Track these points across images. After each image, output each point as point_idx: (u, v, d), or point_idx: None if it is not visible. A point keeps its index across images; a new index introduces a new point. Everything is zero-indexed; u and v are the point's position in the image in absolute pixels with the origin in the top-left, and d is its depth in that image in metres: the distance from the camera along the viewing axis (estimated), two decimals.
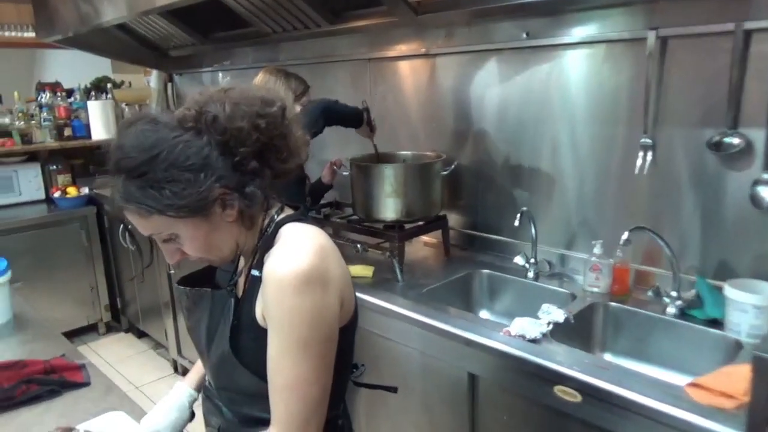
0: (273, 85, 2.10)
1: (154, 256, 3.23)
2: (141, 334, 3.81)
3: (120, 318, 3.92)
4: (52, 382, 1.43)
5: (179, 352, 3.24)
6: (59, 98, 3.81)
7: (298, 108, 2.11)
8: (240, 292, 0.99)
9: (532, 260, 2.01)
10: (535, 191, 2.10)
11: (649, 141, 1.72)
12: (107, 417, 1.28)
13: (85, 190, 3.71)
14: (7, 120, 3.66)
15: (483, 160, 2.25)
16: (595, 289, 1.83)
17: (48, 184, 3.78)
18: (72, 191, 3.63)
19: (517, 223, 1.90)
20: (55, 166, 3.77)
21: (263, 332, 0.90)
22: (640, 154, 1.74)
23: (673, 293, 1.67)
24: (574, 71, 1.91)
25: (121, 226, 3.42)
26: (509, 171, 2.17)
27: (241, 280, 1.01)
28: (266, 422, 0.92)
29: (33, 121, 3.67)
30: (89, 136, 3.84)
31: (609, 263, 1.80)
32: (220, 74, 3.62)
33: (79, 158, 4.01)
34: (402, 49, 2.45)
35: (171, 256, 0.93)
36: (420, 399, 1.81)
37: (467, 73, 2.24)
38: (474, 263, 2.19)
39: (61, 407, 1.37)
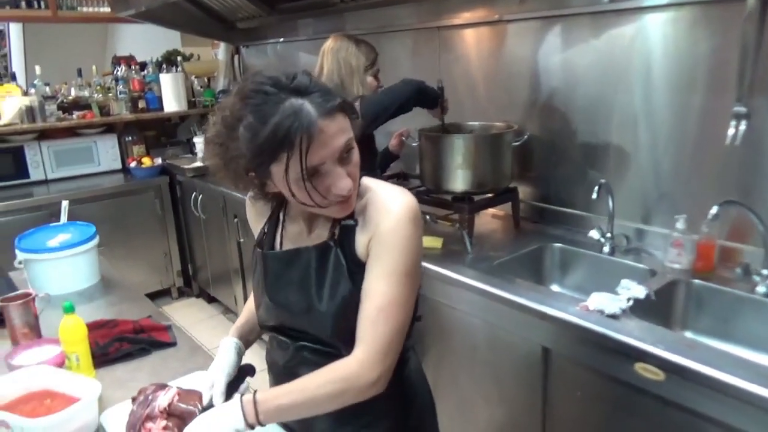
0: (344, 53, 2.08)
1: (225, 224, 3.33)
2: (211, 300, 3.98)
3: (191, 283, 4.10)
4: (142, 341, 1.51)
5: None
6: (133, 71, 3.94)
7: (369, 78, 2.10)
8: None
9: (608, 234, 1.94)
10: (612, 163, 2.02)
11: (743, 110, 1.61)
12: (195, 376, 1.34)
13: (159, 161, 3.85)
14: (86, 93, 3.83)
15: (556, 131, 2.18)
16: (677, 266, 1.75)
17: (124, 155, 3.95)
18: (147, 161, 3.78)
19: (595, 195, 1.84)
20: (130, 137, 3.93)
21: (364, 268, 0.99)
22: (733, 123, 1.63)
23: (764, 271, 1.58)
24: (659, 36, 1.81)
25: (193, 195, 3.55)
26: (584, 142, 2.10)
27: (325, 233, 1.03)
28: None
29: (110, 94, 3.82)
30: (162, 108, 3.98)
31: (693, 239, 1.72)
32: (279, 46, 3.65)
33: (152, 130, 4.17)
34: (473, 15, 2.39)
35: (346, 182, 0.94)
36: (490, 371, 1.81)
37: (541, 40, 2.16)
38: (545, 237, 2.14)
39: (151, 365, 1.45)
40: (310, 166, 0.89)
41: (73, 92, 3.80)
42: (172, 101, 3.95)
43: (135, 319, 1.64)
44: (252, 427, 0.98)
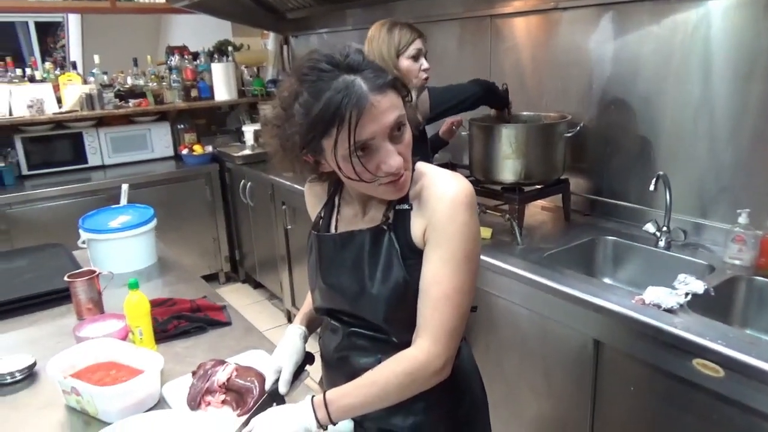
0: (377, 42, 2.02)
1: (272, 211, 3.39)
2: (257, 285, 4.06)
3: (238, 269, 4.19)
4: (199, 319, 1.56)
5: (293, 302, 3.42)
6: (186, 61, 4.04)
7: (404, 62, 2.01)
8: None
9: (664, 228, 1.89)
10: (669, 155, 1.97)
11: None
12: (250, 354, 1.38)
13: (209, 149, 3.95)
14: (141, 82, 3.95)
15: (611, 122, 2.13)
16: (737, 262, 1.70)
17: (176, 142, 4.06)
18: (198, 149, 3.88)
19: (652, 187, 1.79)
20: (182, 125, 4.04)
21: (420, 254, 0.99)
22: None
23: None
24: (722, 24, 1.74)
25: (242, 182, 3.62)
26: (640, 133, 2.04)
27: (379, 216, 1.04)
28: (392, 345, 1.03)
29: (164, 83, 3.93)
30: (213, 97, 4.07)
31: (756, 234, 1.66)
32: (327, 36, 3.67)
33: (202, 118, 4.27)
34: (526, 4, 2.35)
35: (396, 160, 0.94)
36: (538, 363, 1.79)
37: (597, 28, 2.11)
38: (596, 229, 2.10)
39: (208, 343, 1.50)
40: (359, 140, 0.89)
41: (129, 81, 3.93)
42: (222, 90, 4.03)
43: (191, 298, 1.69)
44: (324, 427, 1.00)
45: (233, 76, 4.05)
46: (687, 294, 1.50)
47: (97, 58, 3.77)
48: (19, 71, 3.55)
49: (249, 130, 3.90)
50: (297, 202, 3.11)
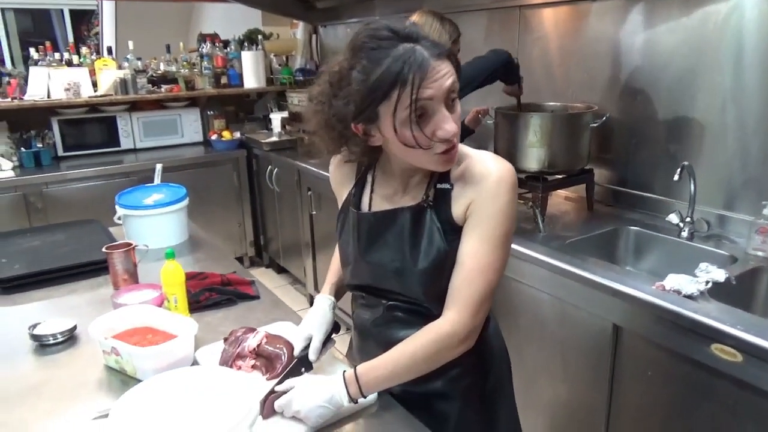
0: (428, 29, 2.08)
1: (298, 197, 3.45)
2: (280, 270, 4.14)
3: (262, 254, 4.27)
4: (229, 292, 1.62)
5: (316, 287, 3.48)
6: (217, 48, 4.12)
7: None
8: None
9: (688, 219, 1.90)
10: (695, 146, 1.97)
11: None
12: (278, 325, 1.43)
13: (237, 135, 4.03)
14: (173, 68, 4.04)
15: (637, 113, 2.14)
16: (761, 253, 1.70)
17: (205, 128, 4.15)
18: (227, 135, 3.96)
19: (676, 177, 1.81)
20: (212, 112, 4.13)
21: (459, 231, 1.04)
22: None
23: None
24: (755, 13, 1.74)
25: (269, 168, 3.69)
26: (667, 124, 2.05)
27: (419, 195, 1.08)
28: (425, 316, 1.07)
29: (195, 69, 4.02)
30: (242, 85, 4.14)
31: None
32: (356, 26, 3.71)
33: (230, 105, 4.35)
34: None
35: (452, 125, 0.97)
36: (557, 348, 1.82)
37: (626, 19, 2.11)
38: (619, 220, 2.12)
39: (237, 314, 1.56)
40: (420, 99, 0.92)
41: (162, 67, 4.02)
42: (251, 78, 4.11)
43: (221, 273, 1.76)
44: (355, 401, 1.05)
45: (262, 64, 4.12)
46: (708, 282, 1.52)
47: (131, 44, 3.87)
48: (57, 55, 3.66)
49: (276, 118, 3.97)
50: (322, 188, 3.17)
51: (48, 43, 3.70)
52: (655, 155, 2.11)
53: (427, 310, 1.09)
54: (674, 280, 1.51)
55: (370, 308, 1.17)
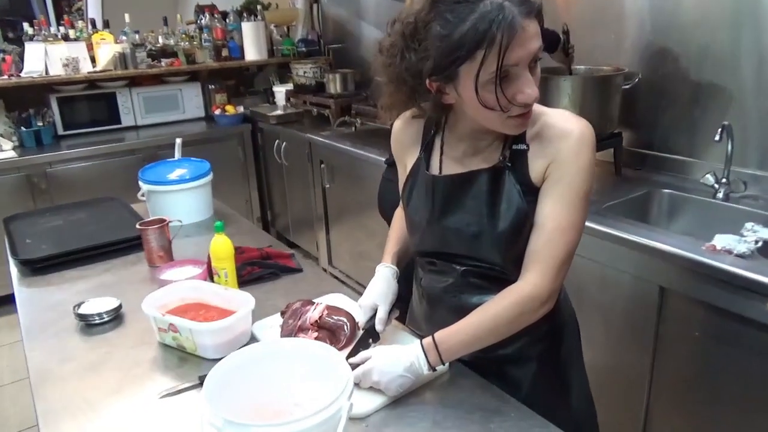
0: None
1: (309, 170, 3.39)
2: (290, 245, 4.09)
3: (269, 230, 4.23)
4: (271, 266, 1.59)
5: (330, 262, 3.45)
6: (216, 20, 4.00)
7: None
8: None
9: (723, 180, 1.89)
10: (727, 107, 1.95)
11: None
12: (330, 297, 1.40)
13: (241, 109, 3.94)
14: (171, 41, 3.92)
15: (667, 74, 2.11)
16: None
17: (207, 103, 4.05)
18: (230, 109, 3.87)
19: (717, 137, 1.79)
20: (213, 86, 4.02)
21: (536, 193, 1.01)
22: None
23: None
24: None
25: (276, 142, 3.62)
26: (698, 85, 2.02)
27: (494, 156, 1.04)
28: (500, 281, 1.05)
29: (195, 42, 3.90)
30: (243, 57, 4.04)
31: None
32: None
33: (231, 79, 4.24)
34: None
35: (534, 90, 0.93)
36: (598, 313, 1.81)
37: None
38: (649, 183, 2.10)
39: (283, 288, 1.53)
40: (506, 64, 0.87)
41: (160, 40, 3.90)
42: (252, 50, 4.00)
43: (258, 247, 1.72)
44: (434, 368, 1.03)
45: (263, 35, 4.01)
46: (757, 241, 1.51)
47: (127, 17, 3.74)
48: (53, 29, 3.53)
49: (280, 90, 3.89)
50: (336, 161, 3.12)
51: (42, 17, 3.56)
52: (684, 116, 2.08)
53: (503, 274, 1.06)
54: (724, 240, 1.50)
55: (442, 275, 1.15)
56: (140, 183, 1.99)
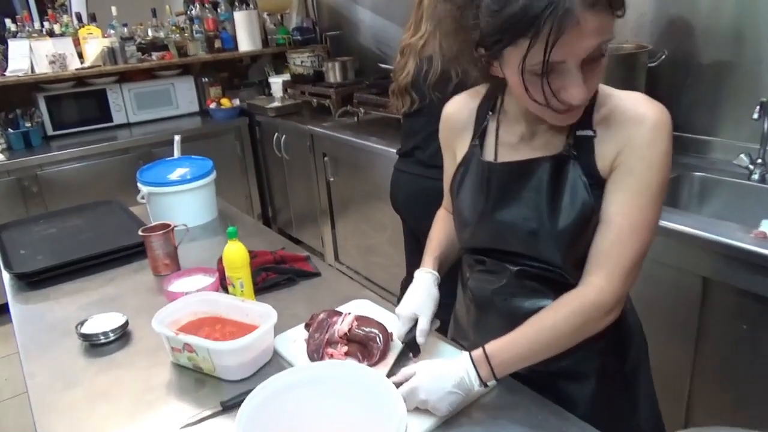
0: None
1: (312, 164, 3.26)
2: (293, 241, 3.97)
3: (271, 226, 4.10)
4: (287, 270, 1.48)
5: (336, 257, 3.34)
6: (207, 10, 3.84)
7: None
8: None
9: (759, 161, 1.78)
10: (760, 84, 1.84)
11: None
12: (354, 304, 1.29)
13: (237, 102, 3.80)
14: (162, 34, 3.76)
15: (692, 52, 1.99)
16: None
17: (201, 97, 3.91)
18: (226, 103, 3.73)
19: (756, 115, 1.68)
20: (206, 79, 3.88)
21: (603, 185, 0.90)
22: None
23: None
24: None
25: (275, 135, 3.49)
26: (725, 64, 1.91)
27: (556, 143, 0.93)
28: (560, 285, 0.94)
29: (186, 34, 3.75)
30: (237, 48, 3.89)
31: None
32: None
33: (224, 71, 4.10)
34: None
35: (579, 92, 0.80)
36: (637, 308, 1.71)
37: None
38: (677, 166, 1.98)
39: (302, 295, 1.41)
40: (551, 60, 0.76)
41: (150, 33, 3.74)
42: (246, 40, 3.85)
43: (270, 250, 1.60)
44: (486, 384, 0.92)
45: (257, 24, 3.86)
46: None
47: (114, 10, 3.58)
48: (37, 25, 3.37)
49: (276, 82, 3.75)
50: (340, 153, 3.00)
51: (25, 12, 3.40)
52: (711, 96, 1.97)
53: (562, 277, 0.95)
54: None
55: (493, 275, 1.03)
56: (139, 185, 1.86)
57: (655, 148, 0.86)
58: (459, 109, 1.08)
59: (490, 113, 1.02)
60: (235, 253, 1.25)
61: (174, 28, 3.77)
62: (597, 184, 0.90)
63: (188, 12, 3.86)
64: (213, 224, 1.93)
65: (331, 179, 3.10)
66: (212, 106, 3.74)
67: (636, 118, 0.87)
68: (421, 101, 1.85)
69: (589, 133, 0.90)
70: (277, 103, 3.64)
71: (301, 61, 3.58)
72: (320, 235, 3.42)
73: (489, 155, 1.01)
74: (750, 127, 1.81)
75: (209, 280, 1.37)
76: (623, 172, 0.88)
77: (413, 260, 2.22)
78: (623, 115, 0.88)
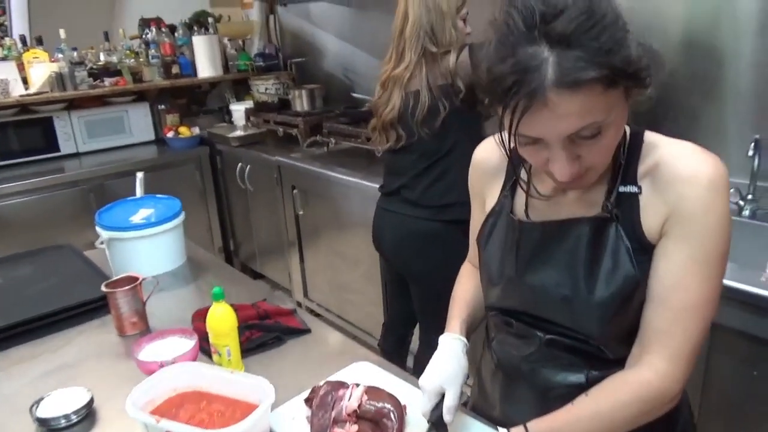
0: None
1: (279, 195, 3.11)
2: (256, 276, 3.78)
3: (232, 260, 3.90)
4: (273, 328, 1.33)
5: (305, 294, 3.18)
6: (164, 34, 3.66)
7: (459, 23, 1.80)
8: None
9: (750, 197, 1.77)
10: (746, 118, 1.83)
11: None
12: (355, 368, 1.16)
13: (196, 130, 3.61)
14: (114, 59, 3.55)
15: (673, 85, 1.98)
16: None
17: (157, 125, 3.70)
18: (185, 131, 3.54)
19: (751, 152, 1.66)
20: (163, 106, 3.68)
21: (651, 252, 0.80)
22: None
23: None
24: None
25: (239, 165, 3.32)
26: (712, 95, 1.90)
27: (594, 199, 0.84)
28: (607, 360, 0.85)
29: (141, 59, 3.55)
30: (196, 74, 3.71)
31: None
32: (324, 5, 3.39)
33: (181, 98, 3.91)
34: None
35: (563, 170, 0.74)
36: None
37: None
38: None
39: (292, 357, 1.27)
40: (521, 134, 0.72)
41: (102, 57, 3.53)
42: (206, 66, 3.68)
43: (250, 302, 1.45)
44: None
45: (218, 50, 3.70)
46: None
47: (62, 33, 3.35)
48: None
49: (239, 109, 3.59)
50: (309, 185, 2.86)
51: None
52: (692, 129, 1.96)
53: (599, 350, 0.85)
54: None
55: (521, 340, 0.93)
56: (98, 229, 1.67)
57: (713, 212, 0.76)
58: (491, 153, 0.98)
59: (521, 161, 0.92)
60: (223, 319, 1.10)
61: (128, 52, 3.56)
62: (642, 248, 0.80)
63: (143, 36, 3.66)
64: (182, 271, 1.75)
65: (301, 213, 2.95)
66: (170, 134, 3.54)
67: (688, 176, 0.77)
68: (409, 138, 1.75)
69: (633, 189, 0.81)
70: (239, 132, 3.48)
71: (265, 88, 3.44)
72: (287, 270, 3.26)
73: (519, 209, 0.92)
74: (736, 163, 1.79)
75: (187, 344, 1.21)
76: (677, 239, 0.78)
77: (398, 305, 2.10)
78: (672, 170, 0.79)
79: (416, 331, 2.13)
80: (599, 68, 0.67)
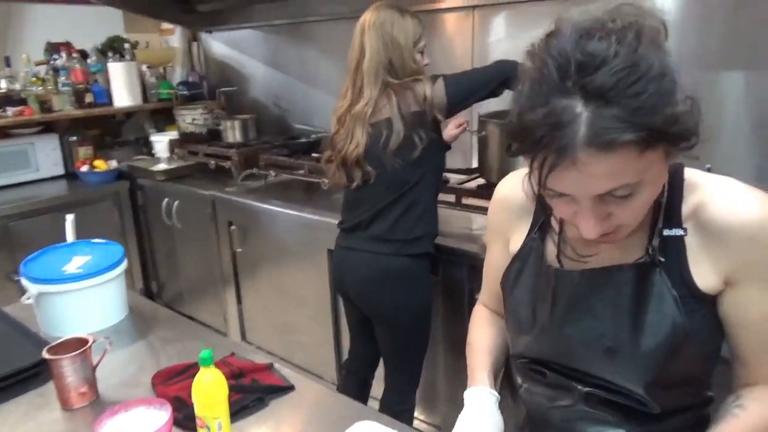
0: (390, 27, 1.70)
1: (214, 232, 2.90)
2: (187, 318, 3.50)
3: (155, 301, 3.58)
4: (254, 388, 1.18)
5: (243, 337, 2.97)
6: (75, 60, 3.37)
7: (417, 56, 1.78)
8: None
9: None
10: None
11: None
12: (359, 428, 1.04)
13: (114, 164, 3.32)
14: (17, 86, 3.21)
15: None
16: None
17: (67, 158, 3.37)
18: (101, 165, 3.24)
19: None
20: (74, 138, 3.36)
21: (702, 300, 0.77)
22: None
23: None
24: None
25: (165, 201, 3.08)
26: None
27: (637, 243, 0.80)
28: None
29: (49, 87, 3.23)
30: (112, 103, 3.44)
31: None
32: (251, 32, 3.27)
33: (94, 129, 3.59)
34: None
35: (589, 229, 0.70)
36: None
37: None
38: None
39: (280, 419, 1.13)
40: (549, 189, 0.69)
41: (3, 85, 3.17)
42: (123, 94, 3.42)
43: (220, 359, 1.29)
44: None
45: (136, 77, 3.45)
46: None
47: None
48: None
49: (161, 140, 3.35)
50: (248, 220, 2.69)
51: None
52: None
53: (640, 404, 0.81)
54: None
55: (555, 390, 0.87)
56: (24, 282, 1.44)
57: None
58: (516, 191, 0.92)
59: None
60: (213, 387, 0.95)
61: (34, 79, 3.23)
62: (693, 296, 0.77)
63: (51, 62, 3.35)
64: (125, 325, 1.55)
65: (239, 250, 2.77)
66: (83, 168, 3.22)
67: (739, 226, 0.75)
68: (377, 172, 1.68)
69: (679, 232, 0.78)
70: (164, 165, 3.24)
71: (192, 118, 3.24)
72: (222, 311, 3.03)
73: (551, 253, 0.86)
74: None
75: (159, 416, 1.03)
76: (751, 286, 0.77)
77: (361, 347, 1.98)
78: (719, 216, 0.76)
79: (378, 374, 2.02)
80: (637, 130, 0.62)
